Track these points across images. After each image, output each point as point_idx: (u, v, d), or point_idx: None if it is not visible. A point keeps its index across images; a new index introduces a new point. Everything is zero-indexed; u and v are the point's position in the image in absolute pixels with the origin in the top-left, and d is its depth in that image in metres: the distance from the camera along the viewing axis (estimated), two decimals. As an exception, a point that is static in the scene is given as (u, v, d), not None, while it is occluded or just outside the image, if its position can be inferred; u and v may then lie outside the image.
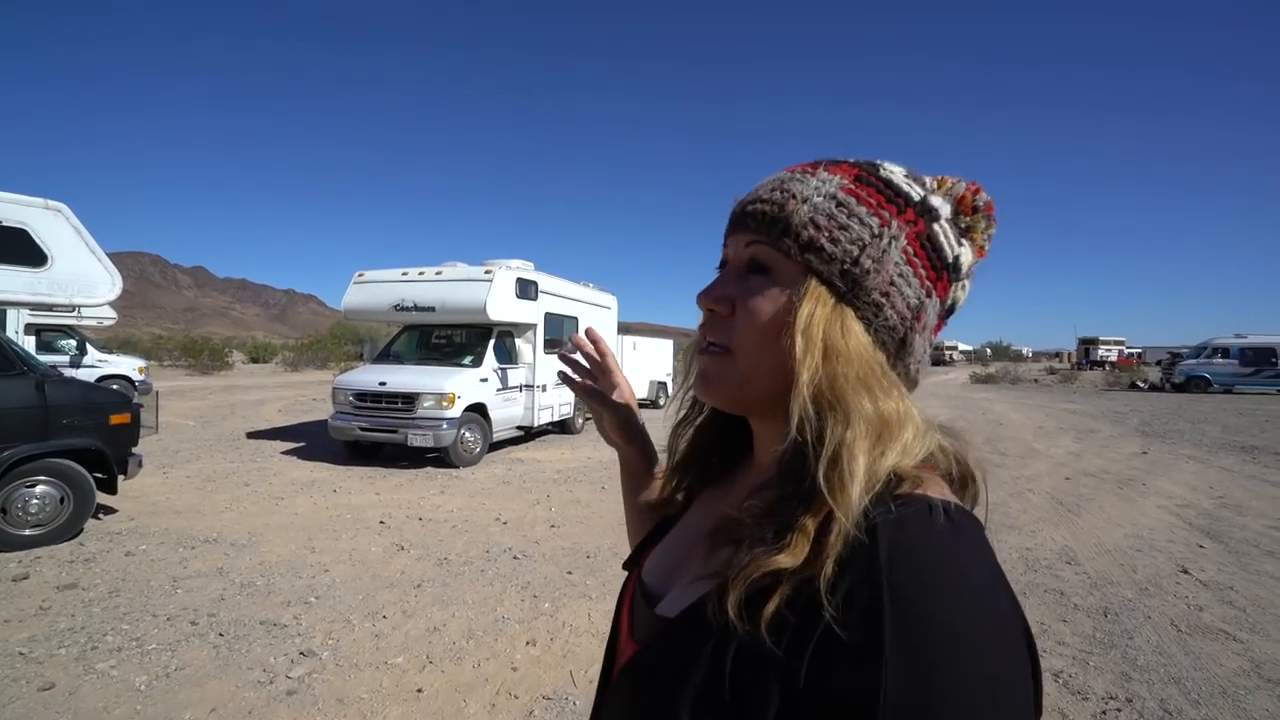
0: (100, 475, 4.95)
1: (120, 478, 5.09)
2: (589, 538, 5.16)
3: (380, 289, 9.28)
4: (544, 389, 9.83)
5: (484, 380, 8.56)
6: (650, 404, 15.41)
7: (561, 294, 10.57)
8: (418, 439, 7.71)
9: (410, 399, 7.86)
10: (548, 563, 4.57)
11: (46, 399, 4.55)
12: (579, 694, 2.86)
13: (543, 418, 10.03)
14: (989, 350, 75.25)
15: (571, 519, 5.75)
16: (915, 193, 0.53)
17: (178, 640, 3.26)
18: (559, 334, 10.47)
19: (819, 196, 0.51)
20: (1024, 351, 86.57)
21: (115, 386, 9.06)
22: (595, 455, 9.11)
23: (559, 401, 10.48)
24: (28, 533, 4.50)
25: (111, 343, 24.59)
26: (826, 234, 0.50)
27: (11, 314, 5.92)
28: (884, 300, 0.50)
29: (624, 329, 14.51)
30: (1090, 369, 46.03)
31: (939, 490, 0.46)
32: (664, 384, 16.60)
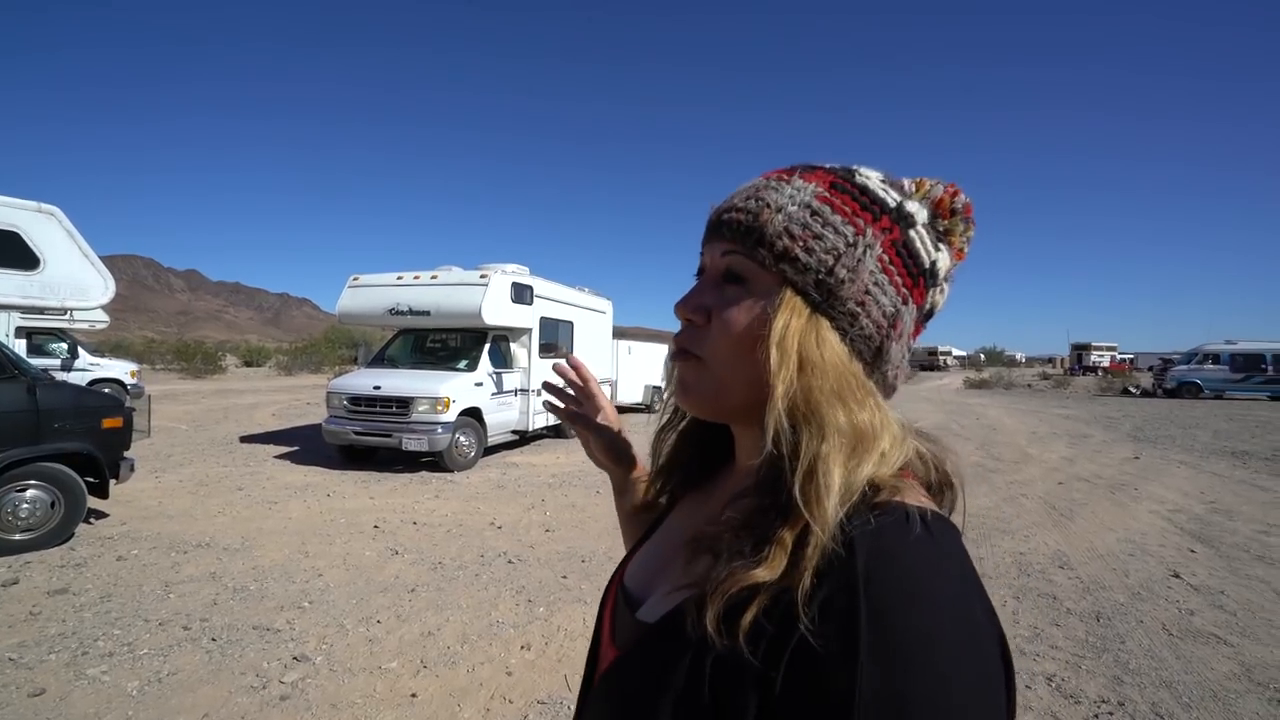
0: (92, 479, 4.91)
1: (112, 482, 5.05)
2: (584, 542, 5.15)
3: (375, 293, 9.26)
4: (539, 393, 9.83)
5: (479, 385, 8.55)
6: (645, 409, 15.42)
7: (557, 298, 10.57)
8: (412, 443, 7.69)
9: (405, 403, 7.84)
10: (542, 567, 4.57)
11: (38, 403, 4.52)
12: (574, 699, 2.85)
13: (537, 422, 10.02)
14: (982, 355, 75.56)
15: (566, 523, 5.75)
16: (891, 199, 0.52)
17: (170, 645, 3.24)
18: (554, 339, 10.47)
19: (793, 205, 0.51)
20: (1017, 357, 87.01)
21: (107, 390, 9.01)
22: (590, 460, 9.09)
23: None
24: (18, 537, 4.46)
25: (103, 346, 24.42)
26: (801, 244, 0.50)
27: (2, 317, 5.89)
28: (859, 310, 0.50)
29: (619, 333, 14.53)
30: (1083, 374, 46.29)
31: (916, 498, 0.46)
32: (659, 389, 16.60)
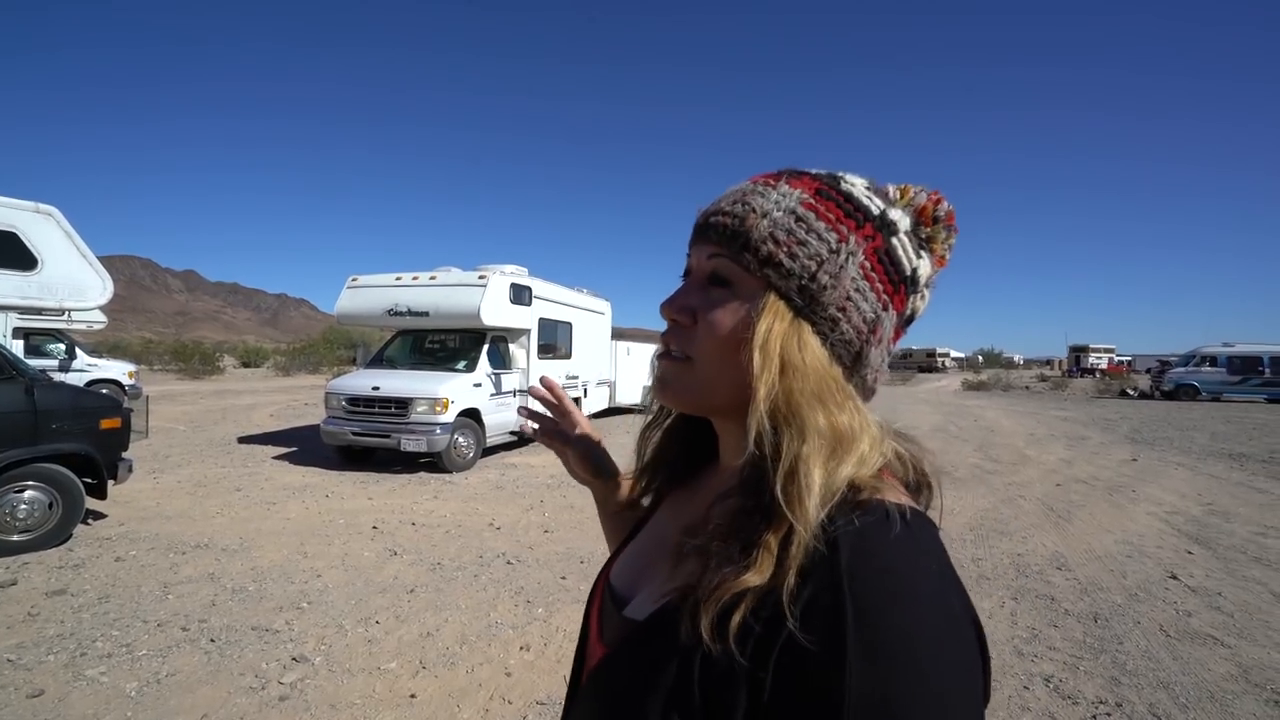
0: (90, 480, 4.90)
1: (110, 483, 5.05)
2: (582, 542, 5.15)
3: (373, 294, 9.26)
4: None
5: (477, 385, 8.55)
6: (644, 410, 15.43)
7: (556, 299, 10.58)
8: (411, 444, 7.69)
9: (403, 404, 7.84)
10: (541, 568, 4.57)
11: (36, 403, 4.51)
12: (573, 699, 2.86)
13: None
14: (981, 357, 75.69)
15: (565, 524, 5.75)
16: (875, 206, 0.53)
17: (168, 646, 3.24)
18: (553, 339, 10.47)
19: (779, 211, 0.52)
20: (1015, 359, 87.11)
21: (105, 391, 8.99)
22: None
23: (553, 407, 10.48)
24: (16, 538, 4.45)
25: (101, 347, 24.38)
26: (785, 249, 0.51)
27: (0, 318, 5.89)
28: (840, 315, 0.51)
29: (618, 334, 14.53)
30: (1081, 376, 46.35)
31: (896, 496, 0.47)
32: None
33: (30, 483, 4.53)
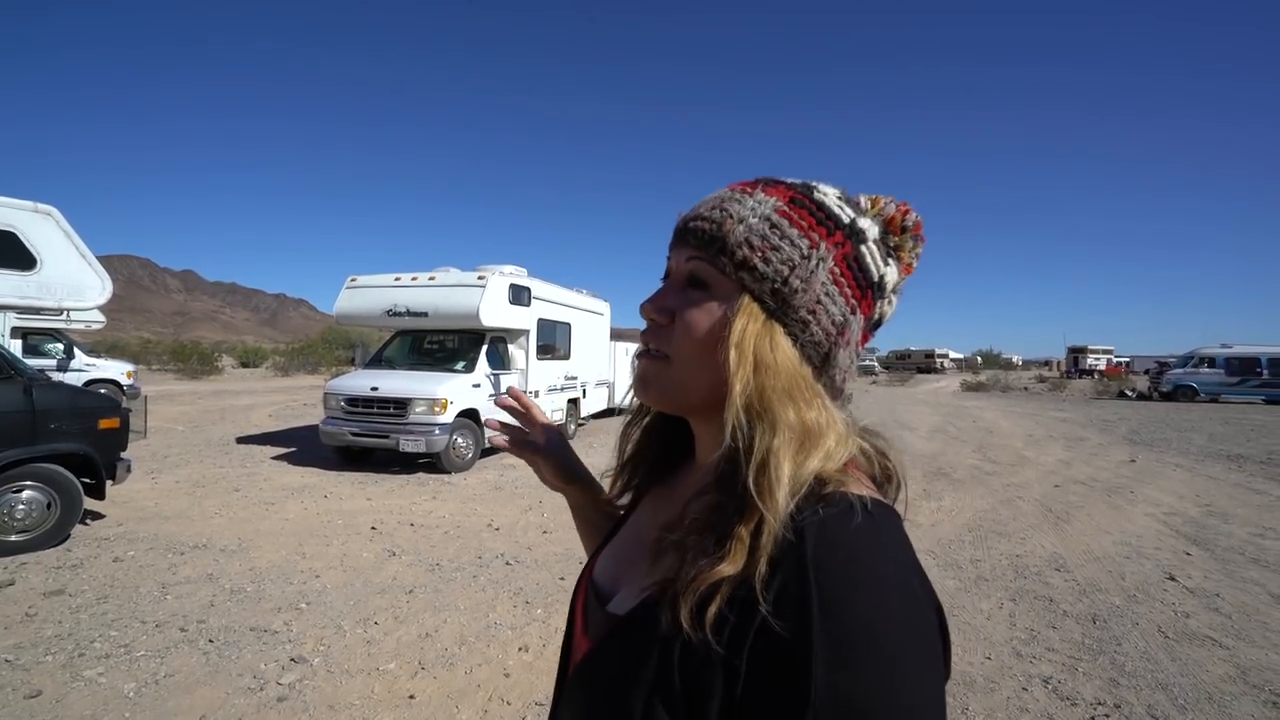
0: (88, 480, 4.90)
1: (108, 483, 5.04)
2: (581, 544, 5.14)
3: (372, 294, 9.25)
4: (536, 395, 9.82)
5: (476, 386, 8.54)
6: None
7: (555, 300, 10.58)
8: (409, 444, 7.68)
9: (402, 404, 7.83)
10: (540, 568, 4.57)
11: (34, 403, 4.50)
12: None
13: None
14: (979, 358, 75.74)
15: (563, 524, 5.74)
16: (845, 215, 0.56)
17: (167, 647, 3.24)
18: (552, 340, 10.47)
19: (754, 218, 0.54)
20: (1014, 359, 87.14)
21: (103, 391, 8.98)
22: (588, 461, 8.98)
23: (551, 408, 10.48)
24: (14, 538, 4.44)
25: (99, 346, 24.34)
26: (760, 254, 0.53)
27: (-1, 317, 5.88)
28: (810, 318, 0.54)
29: (617, 335, 14.53)
30: (1079, 377, 46.40)
31: (860, 488, 0.49)
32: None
33: (28, 483, 4.52)
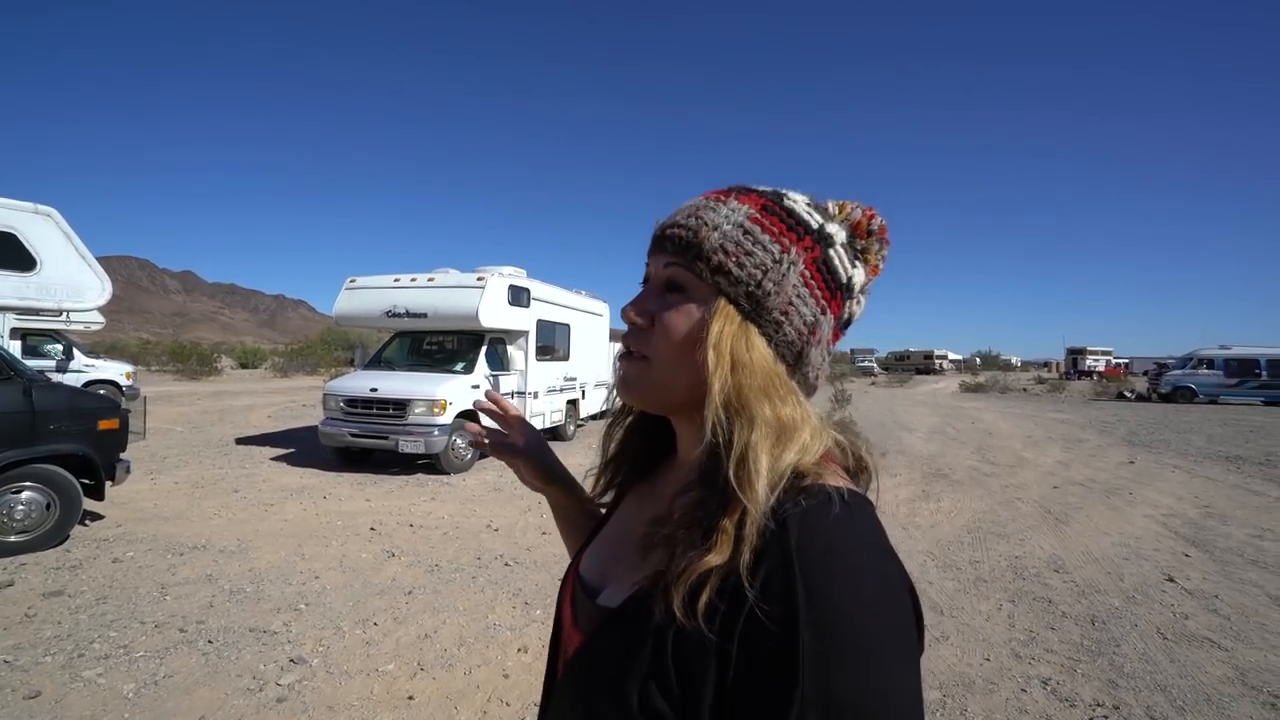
0: (87, 481, 4.89)
1: (108, 484, 5.04)
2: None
3: (372, 295, 9.26)
4: (536, 396, 9.83)
5: (475, 387, 8.54)
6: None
7: (554, 301, 10.59)
8: (409, 445, 7.68)
9: (401, 405, 7.84)
10: (539, 569, 4.57)
11: (33, 404, 4.50)
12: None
13: (534, 425, 10.04)
14: (978, 359, 75.74)
15: (563, 526, 5.75)
16: (814, 221, 0.59)
17: (166, 648, 3.24)
18: (551, 341, 10.47)
19: (728, 224, 0.57)
20: (1013, 361, 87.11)
21: (102, 392, 8.98)
22: (586, 462, 9.00)
23: (551, 409, 10.48)
24: (13, 539, 4.44)
25: (98, 347, 24.33)
26: (734, 259, 0.56)
27: (-2, 319, 5.89)
28: (783, 318, 0.56)
29: (616, 336, 14.54)
30: (1078, 379, 46.40)
31: (836, 480, 0.52)
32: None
33: (28, 483, 4.52)
